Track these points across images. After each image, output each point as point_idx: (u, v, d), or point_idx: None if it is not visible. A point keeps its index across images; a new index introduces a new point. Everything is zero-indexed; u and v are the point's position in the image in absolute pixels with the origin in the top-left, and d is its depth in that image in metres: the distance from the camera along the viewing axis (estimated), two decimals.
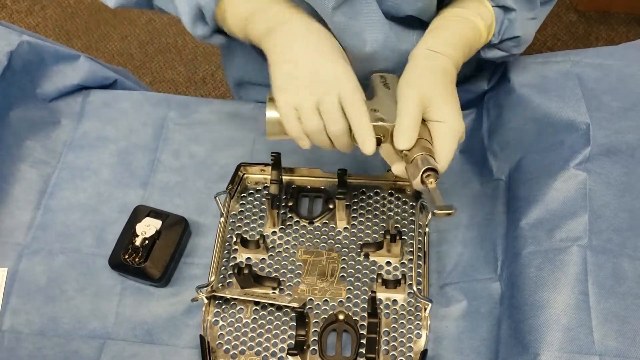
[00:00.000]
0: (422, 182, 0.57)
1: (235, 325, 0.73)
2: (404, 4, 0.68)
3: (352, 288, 0.74)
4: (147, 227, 0.76)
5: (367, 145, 0.59)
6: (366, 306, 0.72)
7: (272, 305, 0.73)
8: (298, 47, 0.61)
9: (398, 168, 0.62)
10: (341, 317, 0.71)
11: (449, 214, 0.55)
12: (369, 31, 0.67)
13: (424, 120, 0.61)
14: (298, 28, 0.62)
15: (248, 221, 0.80)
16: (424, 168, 0.56)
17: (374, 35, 0.68)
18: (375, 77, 0.68)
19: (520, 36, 0.71)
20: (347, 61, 0.62)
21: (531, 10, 0.70)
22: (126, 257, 0.75)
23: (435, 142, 0.60)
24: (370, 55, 0.69)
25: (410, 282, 0.73)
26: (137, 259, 0.75)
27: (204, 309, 0.73)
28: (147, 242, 0.76)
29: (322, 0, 0.63)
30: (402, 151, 0.59)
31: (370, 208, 0.80)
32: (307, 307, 0.73)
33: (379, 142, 0.61)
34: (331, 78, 0.59)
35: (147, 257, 0.75)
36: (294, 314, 0.72)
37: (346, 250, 0.77)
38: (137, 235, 0.76)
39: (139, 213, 0.78)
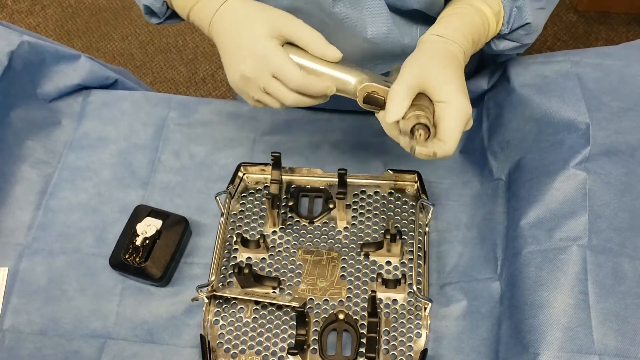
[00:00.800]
0: (412, 132, 0.56)
1: (236, 325, 0.73)
2: None
3: (352, 288, 0.75)
4: (148, 227, 0.76)
5: (291, 74, 0.61)
6: (366, 306, 0.72)
7: (272, 304, 0.74)
8: (229, 30, 0.63)
9: (403, 141, 0.61)
10: (341, 316, 0.71)
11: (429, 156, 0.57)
12: (371, 23, 0.67)
13: (431, 101, 0.60)
14: (227, 11, 0.64)
15: (248, 221, 0.80)
16: (417, 122, 0.55)
17: (377, 27, 0.68)
18: None
19: (530, 23, 0.69)
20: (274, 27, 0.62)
21: None
22: (127, 257, 0.75)
23: (440, 123, 0.58)
24: (370, 47, 0.69)
25: (410, 282, 0.73)
26: (137, 259, 0.75)
27: (204, 308, 0.73)
28: (147, 242, 0.76)
29: None
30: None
31: (370, 208, 0.80)
32: (307, 307, 0.73)
33: (382, 105, 0.61)
34: (260, 59, 0.61)
35: (148, 256, 0.75)
36: (294, 314, 0.72)
37: (346, 250, 0.77)
38: (138, 235, 0.76)
39: (140, 213, 0.79)
